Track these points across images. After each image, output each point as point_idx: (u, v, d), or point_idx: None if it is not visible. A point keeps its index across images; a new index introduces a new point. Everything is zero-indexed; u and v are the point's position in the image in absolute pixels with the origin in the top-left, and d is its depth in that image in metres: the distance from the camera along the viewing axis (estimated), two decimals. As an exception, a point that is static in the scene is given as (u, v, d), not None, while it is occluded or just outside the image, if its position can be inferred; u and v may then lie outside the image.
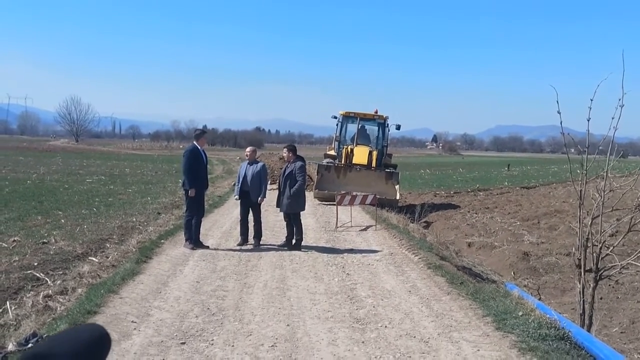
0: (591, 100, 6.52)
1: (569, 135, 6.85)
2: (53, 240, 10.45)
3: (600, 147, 6.76)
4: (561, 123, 6.79)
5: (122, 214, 14.67)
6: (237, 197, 10.89)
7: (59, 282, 7.57)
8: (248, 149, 11.19)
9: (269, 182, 11.59)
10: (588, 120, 6.63)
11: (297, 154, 10.90)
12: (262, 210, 11.15)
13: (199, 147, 10.28)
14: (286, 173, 10.66)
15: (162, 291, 7.23)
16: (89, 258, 9.11)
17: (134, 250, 9.58)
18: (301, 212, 10.86)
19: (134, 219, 13.63)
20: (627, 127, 6.53)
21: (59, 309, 6.36)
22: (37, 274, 7.93)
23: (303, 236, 10.84)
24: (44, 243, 10.23)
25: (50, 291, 7.01)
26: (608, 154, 6.58)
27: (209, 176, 11.16)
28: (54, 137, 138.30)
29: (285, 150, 11.05)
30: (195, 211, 10.20)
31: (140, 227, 12.43)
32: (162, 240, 10.63)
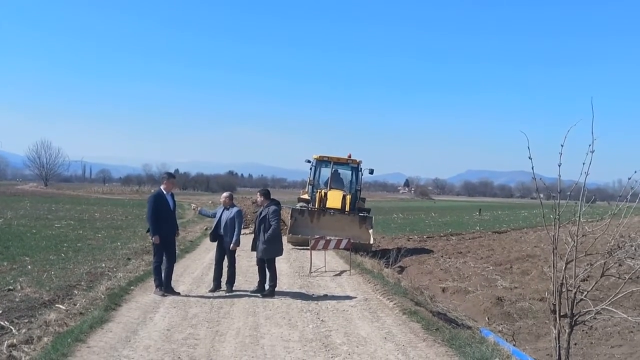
0: (562, 145, 6.62)
1: (541, 181, 6.93)
2: (19, 287, 10.16)
3: (570, 193, 6.83)
4: (533, 168, 6.87)
5: (90, 259, 14.38)
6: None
7: (24, 330, 7.32)
8: (224, 194, 11.08)
9: (242, 227, 11.44)
10: (559, 166, 6.72)
11: (272, 197, 10.86)
12: (236, 254, 11.00)
13: (165, 192, 10.16)
14: (260, 217, 10.59)
15: (132, 340, 7.02)
16: (56, 305, 8.85)
17: (102, 297, 9.32)
18: (276, 258, 10.74)
19: (103, 265, 13.36)
20: (594, 173, 6.66)
21: (23, 358, 6.14)
22: (2, 323, 7.67)
23: (277, 282, 10.69)
24: (9, 290, 9.94)
25: (14, 340, 6.76)
26: (580, 200, 6.66)
27: (180, 221, 10.99)
28: (20, 181, 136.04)
29: (258, 194, 10.98)
30: (164, 257, 10.00)
31: (110, 273, 12.16)
32: (132, 287, 10.40)
